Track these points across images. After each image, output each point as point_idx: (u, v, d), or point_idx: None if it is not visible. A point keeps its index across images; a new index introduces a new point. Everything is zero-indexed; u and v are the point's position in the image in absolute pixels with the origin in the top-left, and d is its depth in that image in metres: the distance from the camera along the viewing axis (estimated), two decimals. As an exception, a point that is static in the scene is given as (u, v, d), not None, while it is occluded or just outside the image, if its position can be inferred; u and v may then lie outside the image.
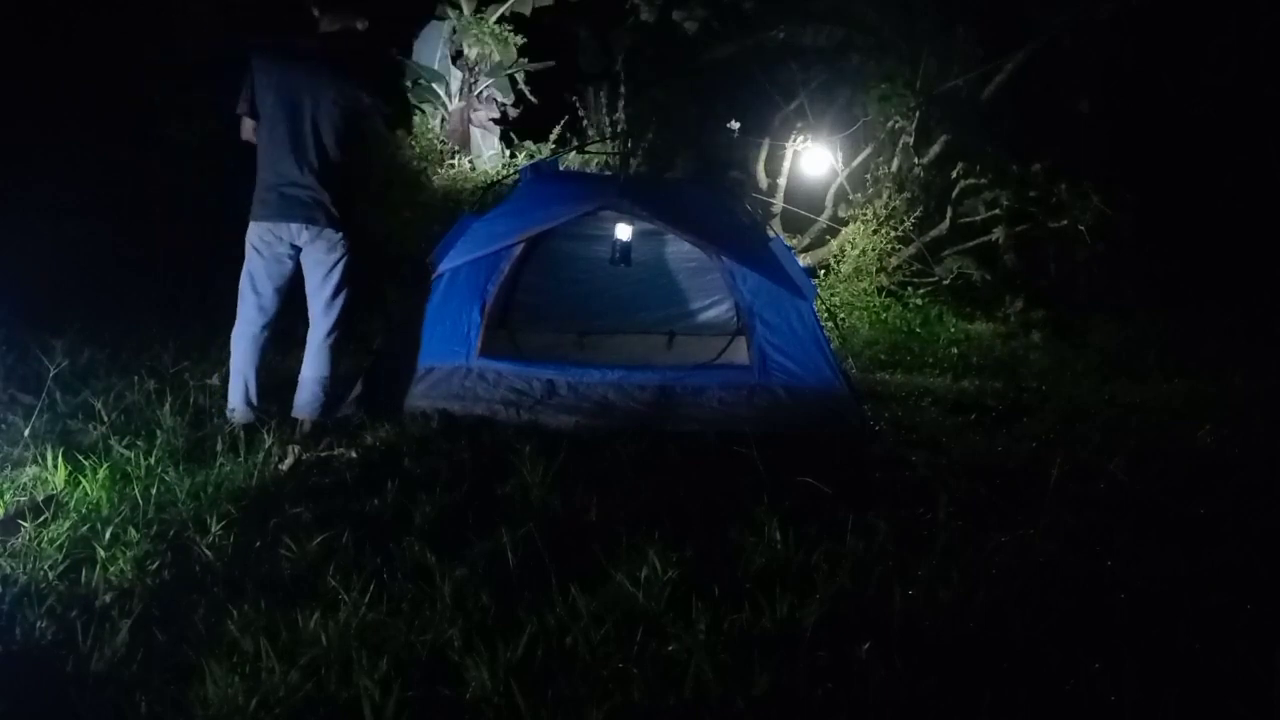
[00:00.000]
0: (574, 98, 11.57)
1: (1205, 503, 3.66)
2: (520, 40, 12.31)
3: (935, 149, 9.76)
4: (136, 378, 4.52)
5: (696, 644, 2.33)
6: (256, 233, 4.21)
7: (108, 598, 2.60)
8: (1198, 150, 10.04)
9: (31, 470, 3.51)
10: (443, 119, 12.19)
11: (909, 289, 9.53)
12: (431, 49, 12.00)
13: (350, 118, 4.25)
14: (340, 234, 4.24)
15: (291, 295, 4.38)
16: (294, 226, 4.17)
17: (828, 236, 10.13)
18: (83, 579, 2.70)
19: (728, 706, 2.14)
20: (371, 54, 4.35)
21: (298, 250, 4.25)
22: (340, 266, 4.28)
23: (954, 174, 9.49)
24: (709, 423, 4.72)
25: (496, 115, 12.76)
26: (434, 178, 10.71)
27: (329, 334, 4.33)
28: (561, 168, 9.04)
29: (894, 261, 9.67)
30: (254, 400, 4.27)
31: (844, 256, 9.63)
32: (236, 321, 4.29)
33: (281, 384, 5.04)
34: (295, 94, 4.14)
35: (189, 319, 6.02)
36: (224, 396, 4.50)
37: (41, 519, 3.03)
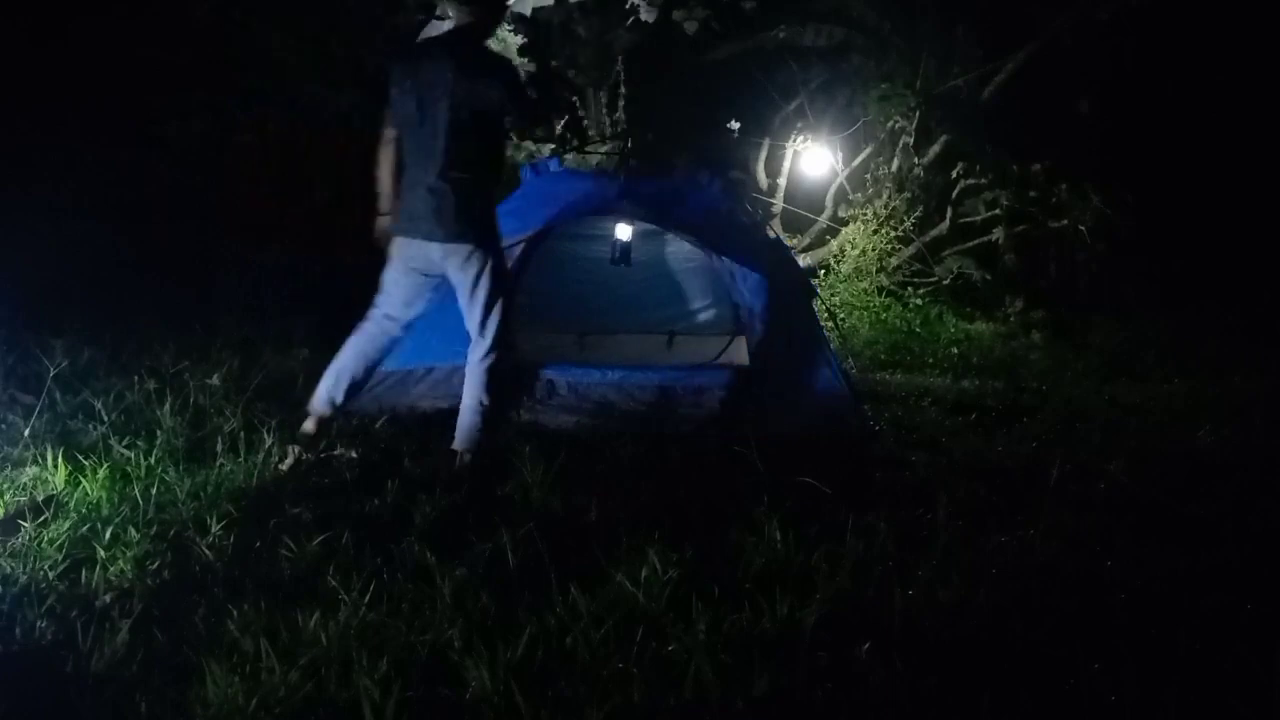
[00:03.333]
0: (574, 98, 11.55)
1: (1205, 503, 3.66)
2: (520, 40, 12.30)
3: (935, 149, 9.75)
4: (136, 378, 4.52)
5: (696, 644, 2.33)
6: (398, 246, 3.91)
7: (108, 598, 2.60)
8: (1198, 150, 10.03)
9: (31, 470, 3.51)
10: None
11: (909, 289, 9.52)
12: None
13: (478, 117, 3.79)
14: (473, 245, 3.82)
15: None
16: (419, 241, 3.84)
17: (828, 236, 10.12)
18: (83, 579, 2.70)
19: (728, 707, 2.14)
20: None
21: (432, 265, 3.91)
22: (484, 280, 3.86)
23: (954, 174, 9.48)
24: (709, 423, 4.72)
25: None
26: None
27: (485, 356, 3.92)
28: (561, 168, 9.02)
29: (894, 261, 9.65)
30: (337, 400, 3.94)
31: (844, 256, 9.62)
32: (369, 318, 3.99)
33: (279, 383, 5.04)
34: (422, 97, 3.77)
35: (189, 319, 6.02)
36: (224, 397, 4.50)
37: (41, 519, 3.03)
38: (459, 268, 3.85)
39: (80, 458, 3.53)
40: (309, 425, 3.94)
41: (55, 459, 3.48)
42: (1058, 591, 2.75)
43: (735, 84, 10.61)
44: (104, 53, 8.33)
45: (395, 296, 3.96)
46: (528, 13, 12.24)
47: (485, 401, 3.92)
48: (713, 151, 10.71)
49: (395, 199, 3.90)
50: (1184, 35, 9.57)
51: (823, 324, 5.33)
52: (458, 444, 3.94)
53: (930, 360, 7.52)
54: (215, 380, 4.69)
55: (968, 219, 9.76)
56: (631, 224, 5.53)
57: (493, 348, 3.92)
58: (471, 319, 3.92)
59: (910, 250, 9.71)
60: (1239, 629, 2.55)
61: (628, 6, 9.08)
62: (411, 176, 3.84)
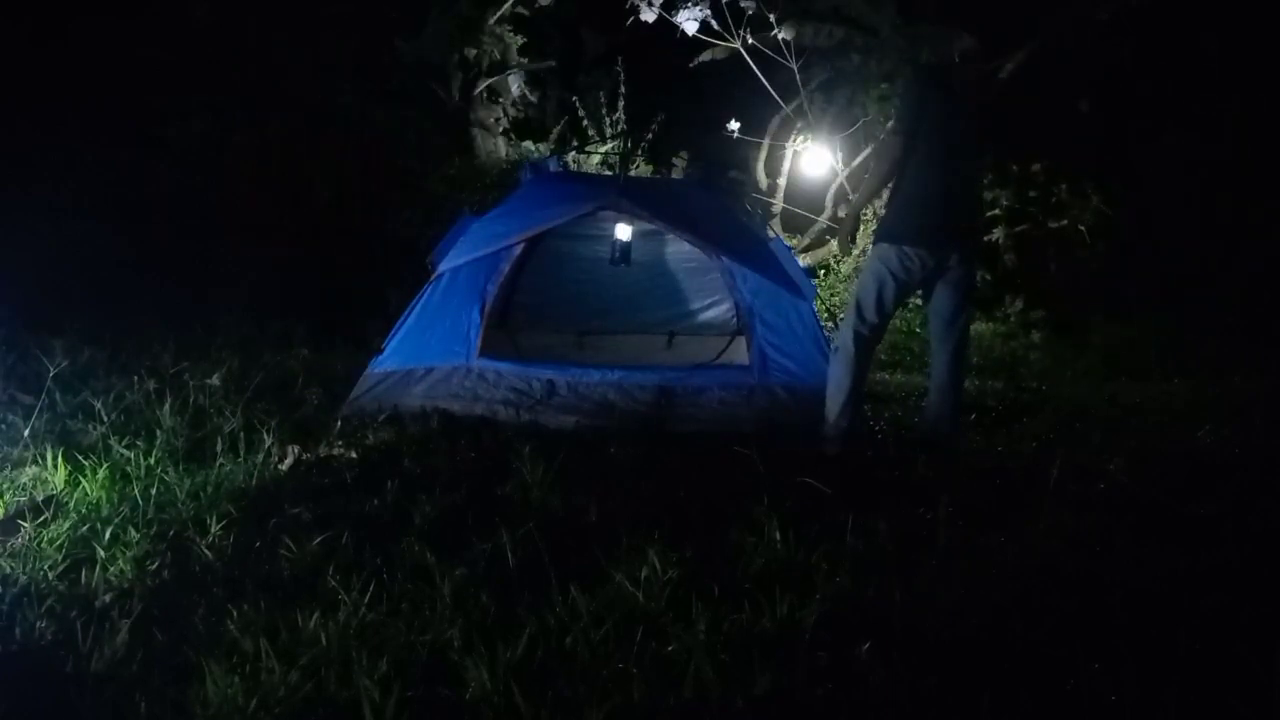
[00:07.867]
0: (574, 98, 11.56)
1: (1205, 503, 3.65)
2: (520, 40, 12.31)
3: (935, 149, 9.73)
4: (136, 378, 4.52)
5: (696, 644, 2.33)
6: (898, 256, 4.18)
7: (108, 598, 2.60)
8: (1198, 149, 10.02)
9: (31, 470, 3.51)
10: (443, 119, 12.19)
11: (908, 289, 9.50)
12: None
13: (983, 148, 4.44)
14: (976, 256, 4.46)
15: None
16: (942, 253, 4.18)
17: (828, 236, 10.12)
18: (83, 579, 2.70)
19: (728, 706, 2.13)
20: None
21: (928, 273, 4.26)
22: (972, 289, 4.41)
23: (954, 174, 9.48)
24: (709, 423, 4.72)
25: (497, 115, 12.76)
26: (433, 178, 10.70)
27: (959, 351, 4.49)
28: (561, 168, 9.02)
29: (894, 261, 9.64)
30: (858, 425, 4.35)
31: (844, 256, 9.62)
32: (854, 339, 4.30)
33: (279, 383, 5.04)
34: (957, 122, 4.16)
35: (189, 319, 6.02)
36: (224, 397, 4.49)
37: (41, 519, 3.03)
38: (967, 277, 4.31)
39: (80, 458, 3.53)
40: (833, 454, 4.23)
41: (55, 459, 3.48)
42: (1058, 591, 2.75)
43: (735, 84, 10.61)
44: (104, 53, 8.33)
45: (891, 310, 4.37)
46: (528, 13, 12.27)
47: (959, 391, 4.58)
48: (712, 151, 10.73)
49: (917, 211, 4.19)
50: (1184, 35, 9.56)
51: (823, 324, 5.33)
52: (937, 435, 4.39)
53: (930, 360, 7.50)
54: (215, 380, 4.69)
55: (968, 219, 9.74)
56: (631, 224, 5.54)
57: (967, 343, 4.55)
58: (958, 322, 4.45)
59: (910, 250, 9.69)
60: (1239, 629, 2.54)
61: (628, 6, 9.10)
62: (940, 192, 4.14)
